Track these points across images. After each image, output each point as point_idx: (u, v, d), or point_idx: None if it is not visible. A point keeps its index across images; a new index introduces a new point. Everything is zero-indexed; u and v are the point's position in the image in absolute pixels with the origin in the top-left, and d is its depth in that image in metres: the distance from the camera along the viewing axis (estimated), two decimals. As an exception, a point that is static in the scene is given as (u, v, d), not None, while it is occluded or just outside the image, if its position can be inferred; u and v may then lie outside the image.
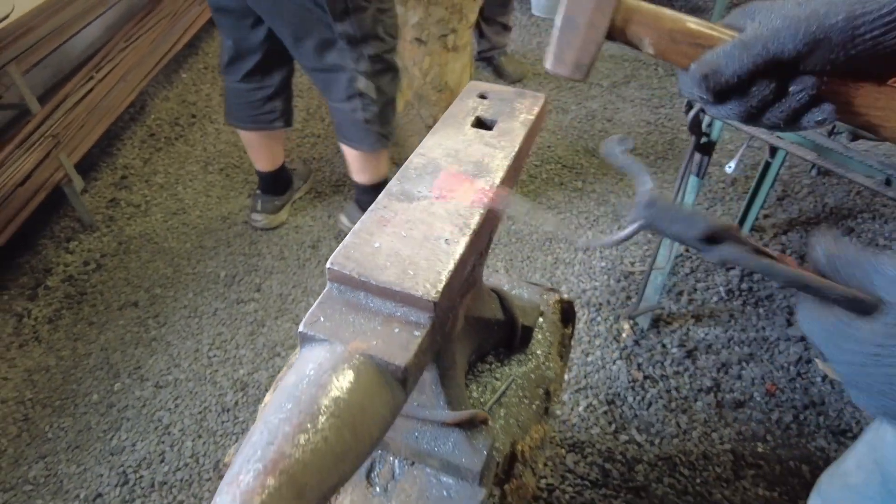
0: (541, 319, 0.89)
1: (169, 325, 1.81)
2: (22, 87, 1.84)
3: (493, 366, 0.83)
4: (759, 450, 1.53)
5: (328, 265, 0.53)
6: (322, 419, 0.43)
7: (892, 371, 0.34)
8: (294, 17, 1.54)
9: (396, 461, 0.71)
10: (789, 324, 1.81)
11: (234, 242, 2.08)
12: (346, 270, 0.52)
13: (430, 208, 0.59)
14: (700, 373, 1.68)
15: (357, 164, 1.87)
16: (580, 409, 1.58)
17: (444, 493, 0.69)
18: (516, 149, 0.67)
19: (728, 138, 2.44)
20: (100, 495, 1.44)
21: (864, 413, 1.57)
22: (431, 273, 0.52)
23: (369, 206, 1.79)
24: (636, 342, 1.74)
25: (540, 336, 0.87)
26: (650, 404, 1.60)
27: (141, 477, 1.47)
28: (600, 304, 1.84)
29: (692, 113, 1.16)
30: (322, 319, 0.52)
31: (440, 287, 0.51)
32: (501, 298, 0.81)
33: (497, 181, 0.63)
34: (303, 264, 2.00)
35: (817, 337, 0.39)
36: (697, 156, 1.32)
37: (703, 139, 1.27)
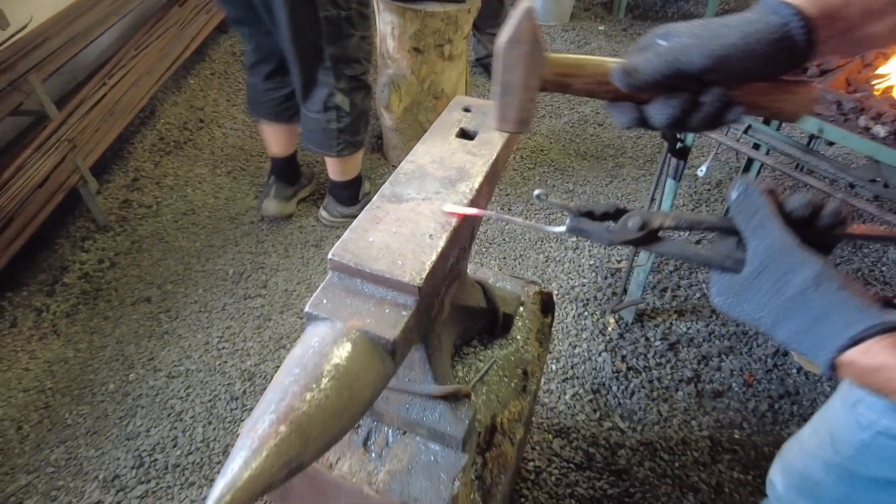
0: (521, 309, 0.99)
1: (180, 319, 1.92)
2: (41, 94, 1.94)
3: (477, 349, 0.93)
4: (736, 436, 1.63)
5: (329, 256, 0.63)
6: (325, 381, 0.53)
7: (749, 306, 0.48)
8: (293, 30, 1.69)
9: (390, 431, 0.81)
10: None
11: (241, 241, 2.18)
12: (344, 260, 0.62)
13: (417, 209, 0.69)
14: (681, 364, 1.78)
15: (334, 165, 2.08)
16: (567, 397, 1.67)
17: (432, 458, 0.79)
18: (494, 157, 0.77)
19: (700, 144, 2.53)
20: (117, 476, 1.54)
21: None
22: (417, 263, 0.62)
23: (344, 199, 1.98)
24: (621, 335, 1.83)
25: (520, 323, 0.97)
26: (633, 393, 1.70)
27: (155, 460, 1.57)
28: (587, 300, 1.94)
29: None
30: (325, 301, 0.62)
31: (424, 275, 0.61)
32: (485, 289, 0.91)
33: (476, 185, 0.73)
34: (307, 262, 2.10)
35: (720, 301, 0.50)
36: (674, 160, 1.42)
37: (679, 145, 1.37)
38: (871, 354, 0.41)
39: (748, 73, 0.51)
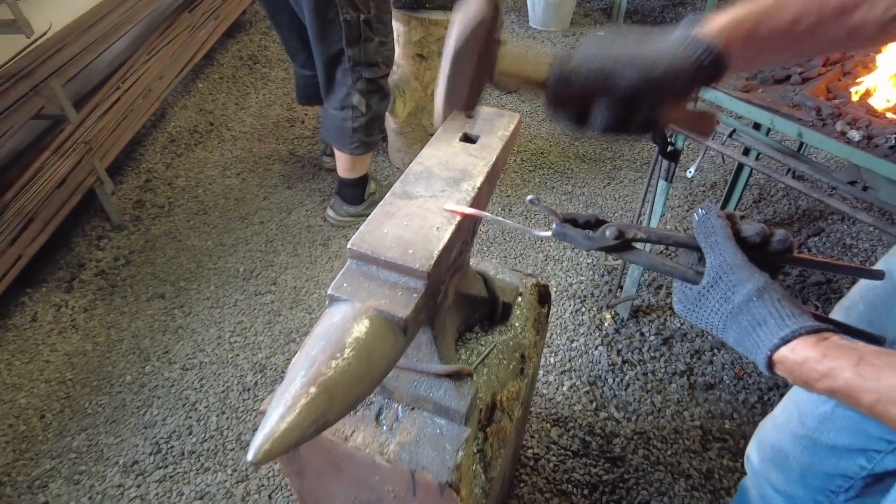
0: (519, 298, 1.07)
1: (193, 315, 2.00)
2: (62, 98, 2.03)
3: (479, 335, 1.01)
4: (726, 426, 1.70)
5: (349, 245, 0.71)
6: (347, 350, 0.61)
7: (704, 313, 0.57)
8: (318, 30, 1.81)
9: (399, 407, 0.89)
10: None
11: (251, 241, 2.26)
12: (362, 249, 0.70)
13: (425, 205, 0.77)
14: (675, 358, 1.85)
15: (344, 163, 2.16)
16: (564, 388, 1.75)
17: (438, 431, 0.86)
18: (494, 159, 0.85)
19: (696, 147, 2.61)
20: (136, 462, 1.62)
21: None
22: (426, 252, 0.70)
23: (350, 198, 2.08)
24: (617, 330, 1.91)
25: (518, 312, 1.05)
26: (628, 385, 1.78)
27: (172, 447, 1.65)
28: (585, 296, 2.02)
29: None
30: (345, 285, 0.70)
31: (432, 262, 0.69)
32: (486, 280, 0.99)
33: (478, 184, 0.81)
34: (314, 260, 2.19)
35: (681, 308, 0.59)
36: (665, 162, 1.50)
37: (669, 148, 1.45)
38: (796, 351, 0.49)
39: (667, 93, 0.60)
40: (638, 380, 1.79)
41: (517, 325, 1.03)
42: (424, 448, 0.84)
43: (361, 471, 0.90)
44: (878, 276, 0.61)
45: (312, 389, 0.57)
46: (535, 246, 2.24)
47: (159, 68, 2.71)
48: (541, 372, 1.80)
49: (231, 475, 1.59)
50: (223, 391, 1.78)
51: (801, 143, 1.99)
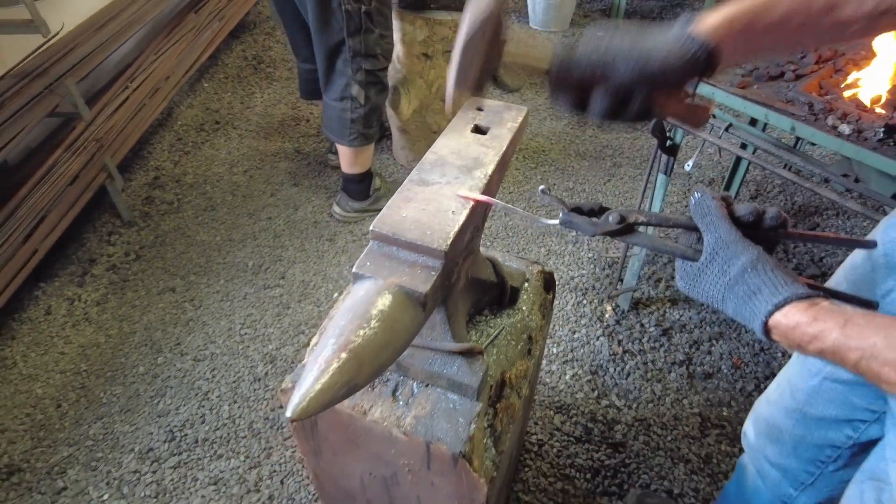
0: (526, 284, 1.12)
1: (204, 308, 2.05)
2: (77, 96, 2.07)
3: (488, 318, 1.06)
4: (724, 413, 1.76)
5: (371, 228, 0.76)
6: (373, 321, 0.66)
7: (704, 287, 0.61)
8: (319, 20, 1.87)
9: (414, 383, 0.94)
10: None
11: (259, 236, 2.31)
12: (383, 231, 0.76)
13: (441, 191, 0.83)
14: (674, 348, 1.91)
15: (347, 158, 2.21)
16: (567, 377, 1.80)
17: (451, 405, 0.91)
18: (504, 148, 0.90)
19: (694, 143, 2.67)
20: (151, 449, 1.66)
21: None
22: (442, 233, 0.75)
23: (355, 194, 2.15)
24: (617, 322, 1.97)
25: (525, 296, 1.10)
26: (629, 374, 1.83)
27: (185, 435, 1.70)
28: (586, 289, 2.07)
29: (653, 121, 1.39)
30: (368, 264, 0.75)
31: (449, 242, 0.74)
32: (494, 265, 1.04)
33: (489, 172, 0.86)
34: (321, 255, 2.24)
35: (683, 285, 0.64)
36: (664, 157, 1.55)
37: (668, 142, 1.50)
38: (789, 316, 0.53)
39: (663, 86, 0.65)
40: (638, 369, 1.84)
41: (524, 308, 1.08)
42: (439, 421, 0.89)
43: (378, 444, 0.95)
44: (871, 245, 0.65)
45: (343, 355, 0.62)
46: (538, 241, 2.29)
47: (166, 68, 2.76)
48: (544, 361, 1.85)
49: (244, 461, 1.63)
50: (234, 381, 1.83)
51: (798, 140, 2.04)
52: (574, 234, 2.32)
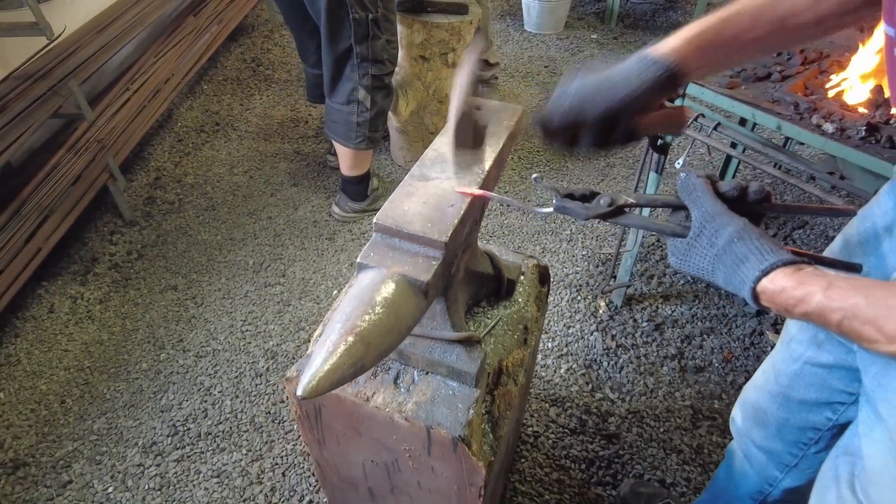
0: (522, 277, 1.16)
1: (206, 305, 2.08)
2: (80, 97, 2.11)
3: (486, 309, 1.10)
4: (716, 406, 1.80)
5: (375, 220, 0.80)
6: (377, 307, 0.70)
7: (695, 260, 0.64)
8: (329, 28, 1.91)
9: (415, 372, 0.98)
10: (746, 303, 2.08)
11: (259, 235, 2.35)
12: (386, 223, 0.80)
13: (441, 185, 0.87)
14: (666, 343, 1.95)
15: (346, 160, 2.24)
16: (562, 371, 1.84)
17: (451, 392, 0.95)
18: (500, 146, 0.94)
19: (681, 144, 2.72)
20: (155, 443, 1.70)
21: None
22: (443, 225, 0.79)
23: (354, 195, 2.21)
24: (611, 317, 2.01)
25: (521, 289, 1.14)
26: (622, 368, 1.87)
27: (189, 429, 1.73)
28: (580, 286, 2.12)
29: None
30: (372, 255, 0.79)
31: (449, 233, 0.78)
32: (492, 258, 1.08)
33: (487, 168, 0.90)
34: (321, 253, 2.27)
35: (675, 261, 0.67)
36: (655, 155, 1.60)
37: (659, 142, 1.54)
38: (775, 281, 0.56)
39: (632, 111, 0.70)
40: (631, 363, 1.89)
41: (520, 300, 1.12)
42: (439, 407, 0.93)
43: (380, 430, 0.99)
44: (850, 213, 0.69)
45: (350, 338, 0.66)
46: (533, 239, 2.34)
47: (167, 70, 2.79)
48: (539, 356, 1.90)
49: (246, 455, 1.67)
50: (236, 377, 1.86)
51: (787, 139, 2.09)
52: (569, 232, 2.36)
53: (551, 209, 0.76)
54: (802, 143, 1.79)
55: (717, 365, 1.90)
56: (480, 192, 0.86)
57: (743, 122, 1.80)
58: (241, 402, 1.80)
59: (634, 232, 1.84)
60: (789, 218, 2.46)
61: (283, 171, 2.68)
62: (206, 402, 1.80)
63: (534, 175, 0.78)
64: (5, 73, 2.11)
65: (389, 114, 2.52)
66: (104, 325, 2.02)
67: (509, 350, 1.04)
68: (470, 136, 0.80)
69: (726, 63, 0.73)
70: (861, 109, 1.36)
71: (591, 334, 1.95)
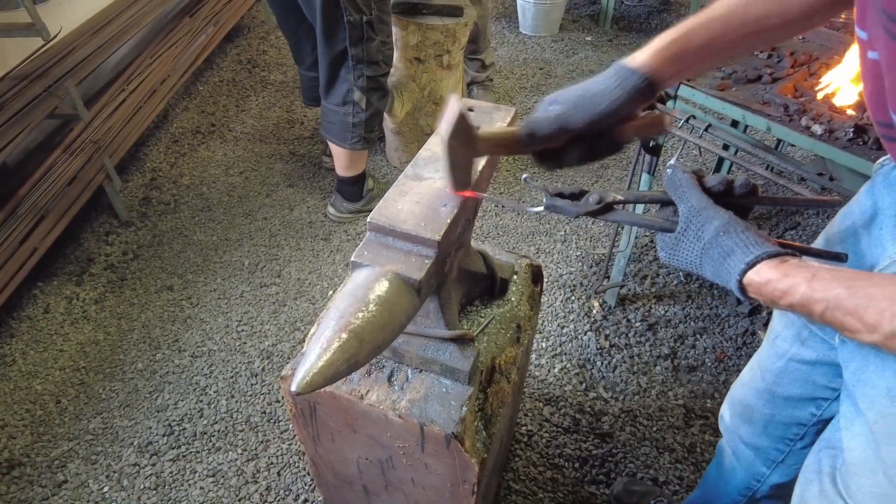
0: (515, 276, 1.18)
1: (201, 306, 2.09)
2: (76, 98, 2.11)
3: (479, 308, 1.11)
4: (708, 405, 1.82)
5: (369, 219, 0.81)
6: (371, 305, 0.71)
7: (683, 254, 0.65)
8: (325, 31, 1.93)
9: (409, 370, 0.99)
10: (739, 303, 2.11)
11: (255, 236, 2.35)
12: (380, 222, 0.81)
13: (434, 185, 0.88)
14: (659, 343, 1.97)
15: (342, 161, 2.26)
16: (556, 370, 1.86)
17: (444, 389, 0.97)
18: (493, 146, 0.95)
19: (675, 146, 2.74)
20: (150, 443, 1.70)
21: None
22: (436, 224, 0.81)
23: (349, 195, 2.23)
24: (604, 317, 2.03)
25: (514, 288, 1.15)
26: (615, 368, 1.89)
27: (184, 429, 1.74)
28: (574, 286, 2.13)
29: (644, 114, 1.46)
30: (366, 253, 0.80)
31: (442, 232, 0.79)
32: (485, 258, 1.10)
33: (479, 168, 0.92)
34: (317, 254, 2.28)
35: (664, 255, 0.68)
36: (648, 157, 1.61)
37: (651, 143, 1.56)
38: (760, 273, 0.57)
39: (615, 121, 0.73)
40: (625, 362, 1.90)
41: (513, 299, 1.14)
42: (432, 404, 0.94)
43: (375, 428, 1.00)
44: (836, 203, 0.70)
45: (344, 335, 0.68)
46: (527, 240, 2.35)
47: (163, 71, 2.80)
48: (533, 355, 1.91)
49: (242, 454, 1.67)
50: (232, 377, 1.87)
51: (779, 141, 2.12)
52: (563, 232, 2.38)
53: (541, 208, 0.78)
54: (794, 145, 1.81)
55: (709, 364, 1.92)
56: (472, 192, 0.87)
57: (735, 123, 1.82)
58: (236, 401, 1.81)
59: (628, 232, 1.86)
60: (781, 219, 2.49)
61: (278, 172, 2.69)
62: (201, 401, 1.81)
63: (524, 175, 0.80)
64: (1, 73, 2.11)
65: (385, 115, 2.53)
66: (100, 326, 2.03)
67: (502, 348, 1.05)
68: (464, 167, 0.80)
69: (699, 69, 0.77)
70: (849, 111, 1.38)
71: (585, 334, 1.97)
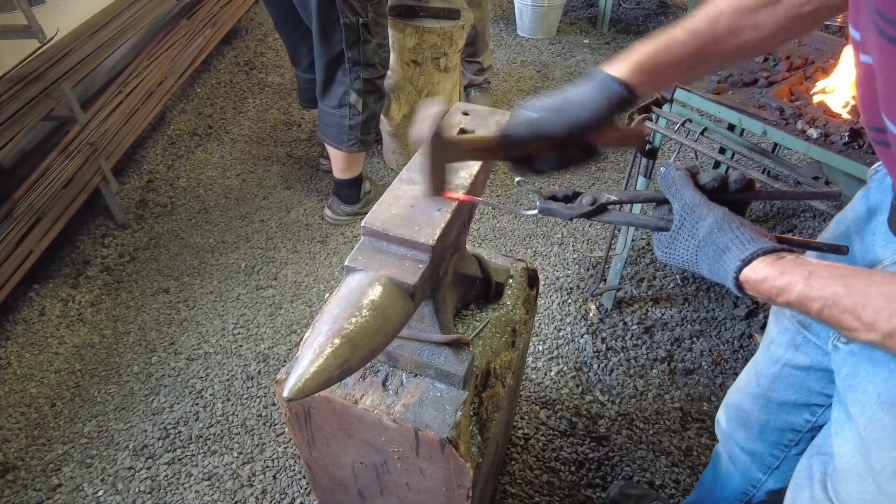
0: (510, 280, 1.17)
1: (198, 308, 2.08)
2: (72, 100, 2.11)
3: (474, 312, 1.11)
4: (704, 408, 1.82)
5: (363, 223, 0.81)
6: (364, 310, 0.71)
7: (679, 252, 0.64)
8: (321, 33, 1.93)
9: (404, 374, 0.99)
10: (735, 305, 2.11)
11: (252, 238, 2.35)
12: (374, 227, 0.81)
13: (429, 189, 0.88)
14: (656, 345, 1.97)
15: (339, 164, 2.26)
16: (552, 373, 1.86)
17: (439, 394, 0.96)
18: (488, 150, 0.95)
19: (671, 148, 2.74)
20: (146, 446, 1.69)
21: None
22: (430, 229, 0.81)
23: (347, 198, 2.23)
24: (601, 320, 2.03)
25: (509, 292, 1.15)
26: (612, 371, 1.88)
27: (180, 432, 1.73)
28: (571, 289, 2.13)
29: (632, 125, 1.46)
30: (360, 258, 0.80)
31: (436, 237, 0.79)
32: (480, 261, 1.10)
33: (474, 172, 0.92)
34: (314, 256, 2.28)
35: (660, 254, 0.68)
36: (644, 160, 1.61)
37: (647, 146, 1.56)
38: (756, 271, 0.56)
39: (593, 129, 0.73)
40: (621, 365, 1.90)
41: (508, 303, 1.13)
42: (427, 408, 0.94)
43: (369, 432, 0.99)
44: (834, 195, 0.69)
45: (336, 340, 0.67)
46: (524, 242, 2.35)
47: (160, 73, 2.80)
48: (530, 359, 1.91)
49: (237, 457, 1.67)
50: (228, 379, 1.86)
51: (776, 145, 2.12)
52: (560, 235, 2.38)
53: (535, 211, 0.77)
54: (790, 149, 1.81)
55: (706, 367, 1.92)
56: (466, 196, 0.87)
57: (731, 127, 1.82)
58: (232, 404, 1.80)
59: (624, 235, 1.86)
60: (778, 222, 2.49)
61: (275, 175, 2.68)
62: (197, 404, 1.80)
63: (517, 178, 0.79)
64: (-2, 75, 2.11)
65: (382, 117, 2.53)
66: (95, 328, 2.02)
67: (497, 352, 1.05)
68: (441, 173, 0.78)
69: (677, 80, 0.77)
70: (845, 115, 1.38)
71: (582, 337, 1.97)
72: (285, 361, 1.91)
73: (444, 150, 0.74)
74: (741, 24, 0.69)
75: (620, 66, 0.72)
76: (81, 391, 1.84)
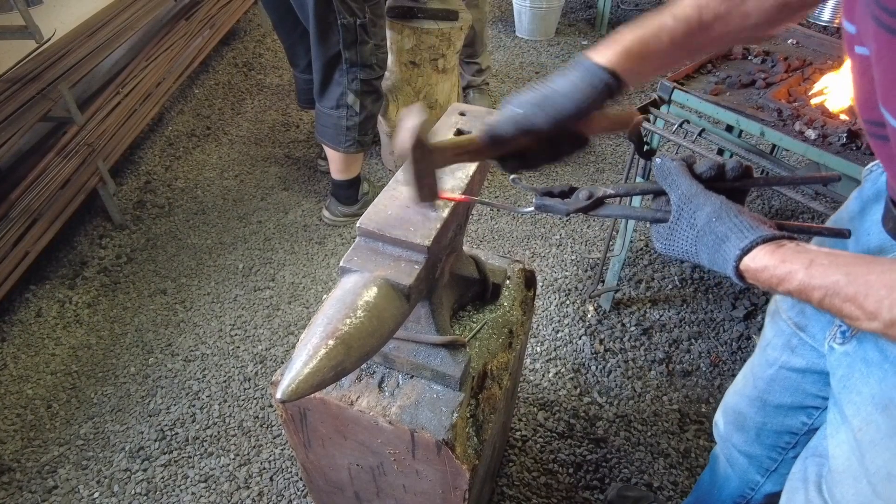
0: (507, 281, 1.17)
1: (195, 309, 2.07)
2: (70, 101, 2.10)
3: (471, 313, 1.11)
4: (703, 410, 1.81)
5: (358, 224, 0.81)
6: (359, 311, 0.71)
7: (678, 243, 0.63)
8: (318, 34, 1.93)
9: (400, 375, 0.99)
10: (734, 307, 2.10)
11: (249, 239, 2.35)
12: (370, 227, 0.80)
13: (425, 190, 0.87)
14: (654, 347, 1.96)
15: (337, 164, 2.25)
16: (550, 375, 1.85)
17: (435, 395, 0.96)
18: (485, 150, 0.95)
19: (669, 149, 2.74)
20: (142, 448, 1.69)
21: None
22: (426, 230, 0.80)
23: (344, 199, 2.22)
24: (599, 321, 2.02)
25: (506, 293, 1.15)
26: (610, 372, 1.88)
27: (176, 433, 1.72)
28: (569, 290, 2.13)
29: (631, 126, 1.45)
30: (355, 258, 0.79)
31: (431, 238, 0.79)
32: (477, 262, 1.09)
33: (471, 173, 0.91)
34: (311, 258, 2.27)
35: (659, 246, 0.67)
36: (642, 161, 1.61)
37: (645, 147, 1.56)
38: (756, 259, 0.55)
39: (580, 119, 0.71)
40: (619, 367, 1.90)
41: (506, 304, 1.13)
42: (423, 410, 0.94)
43: (365, 434, 0.99)
44: (834, 178, 0.68)
45: (331, 342, 0.67)
46: (523, 244, 2.35)
47: (158, 74, 2.79)
48: (528, 360, 1.90)
49: (234, 459, 1.66)
50: (225, 381, 1.86)
51: (774, 146, 2.12)
52: (558, 236, 2.38)
53: (531, 208, 0.76)
54: (788, 150, 1.80)
55: (704, 369, 1.92)
56: (462, 197, 0.87)
57: (729, 128, 1.82)
58: (229, 406, 1.79)
59: (622, 236, 1.85)
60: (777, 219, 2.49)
61: (273, 176, 2.68)
62: (194, 406, 1.79)
63: (511, 176, 0.78)
64: (-5, 76, 2.10)
65: (380, 119, 2.53)
66: (92, 330, 2.01)
67: (494, 354, 1.05)
68: (428, 179, 0.76)
69: (665, 67, 0.75)
70: (842, 116, 1.38)
71: (580, 338, 1.96)
72: (282, 363, 1.90)
73: (430, 157, 0.72)
74: (730, 10, 0.68)
75: (607, 53, 0.70)
76: (78, 393, 1.83)
